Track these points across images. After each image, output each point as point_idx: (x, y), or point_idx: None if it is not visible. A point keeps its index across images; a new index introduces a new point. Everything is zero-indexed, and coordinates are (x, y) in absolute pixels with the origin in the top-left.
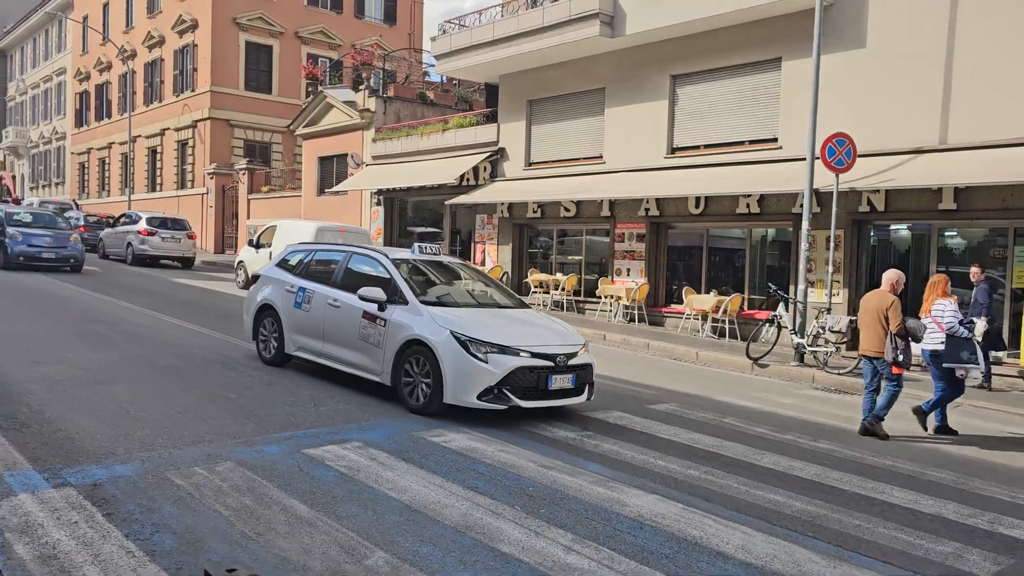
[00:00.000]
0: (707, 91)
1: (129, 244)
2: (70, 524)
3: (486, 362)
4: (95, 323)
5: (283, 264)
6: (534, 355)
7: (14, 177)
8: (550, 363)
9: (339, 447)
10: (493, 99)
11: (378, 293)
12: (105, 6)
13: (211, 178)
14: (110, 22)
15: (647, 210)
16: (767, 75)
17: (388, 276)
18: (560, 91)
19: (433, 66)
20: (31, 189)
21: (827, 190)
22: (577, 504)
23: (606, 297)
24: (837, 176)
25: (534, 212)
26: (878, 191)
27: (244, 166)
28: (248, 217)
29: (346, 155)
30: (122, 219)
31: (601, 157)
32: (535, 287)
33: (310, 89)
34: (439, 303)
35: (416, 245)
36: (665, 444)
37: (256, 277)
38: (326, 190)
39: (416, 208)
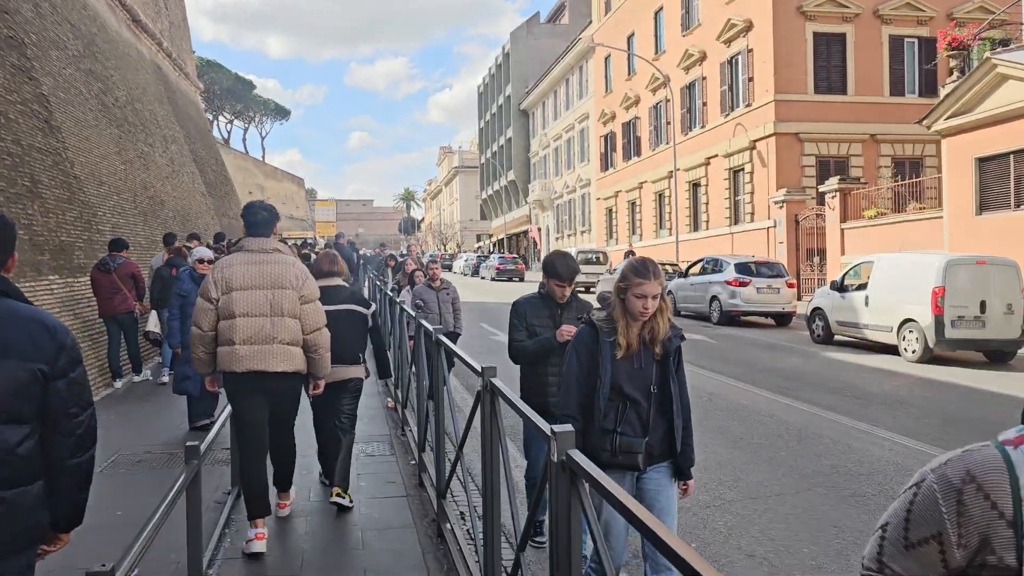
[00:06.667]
0: None
1: (715, 298)
2: None
3: None
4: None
5: None
6: None
7: (539, 230)
8: None
9: None
10: None
11: None
12: (629, 38)
13: (779, 207)
14: (635, 53)
15: None
16: None
17: None
18: None
19: None
20: (556, 240)
21: None
22: None
23: None
24: None
25: None
26: None
27: (834, 186)
28: (843, 252)
29: None
30: (696, 267)
31: None
32: None
33: (952, 66)
34: None
35: None
36: None
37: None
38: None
39: None
